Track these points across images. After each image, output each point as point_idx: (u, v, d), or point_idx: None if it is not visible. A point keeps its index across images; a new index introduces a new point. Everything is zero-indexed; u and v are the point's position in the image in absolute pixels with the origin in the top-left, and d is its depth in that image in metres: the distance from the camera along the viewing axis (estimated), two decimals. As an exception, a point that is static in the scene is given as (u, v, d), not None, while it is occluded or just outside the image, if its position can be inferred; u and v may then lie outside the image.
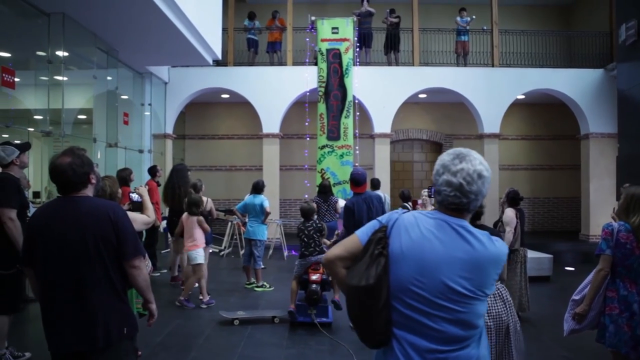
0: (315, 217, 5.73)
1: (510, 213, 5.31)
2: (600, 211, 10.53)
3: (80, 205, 2.21)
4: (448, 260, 1.48)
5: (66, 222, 2.17)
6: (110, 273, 2.20)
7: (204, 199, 6.34)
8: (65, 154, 2.24)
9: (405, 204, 7.57)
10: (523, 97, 11.43)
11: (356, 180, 5.26)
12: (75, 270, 2.15)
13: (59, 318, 2.16)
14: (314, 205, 5.88)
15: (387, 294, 1.52)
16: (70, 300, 2.15)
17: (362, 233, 1.63)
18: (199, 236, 5.83)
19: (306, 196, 10.92)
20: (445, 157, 1.57)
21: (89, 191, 2.29)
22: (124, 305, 2.29)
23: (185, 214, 5.87)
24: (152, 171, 7.75)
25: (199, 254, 5.80)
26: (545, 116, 13.02)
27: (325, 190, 7.57)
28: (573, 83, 10.98)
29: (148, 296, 2.42)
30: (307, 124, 10.89)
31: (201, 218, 5.87)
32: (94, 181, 2.30)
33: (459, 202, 1.52)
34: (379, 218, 1.66)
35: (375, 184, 7.78)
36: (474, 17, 11.22)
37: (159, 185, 7.58)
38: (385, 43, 11.54)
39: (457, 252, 1.49)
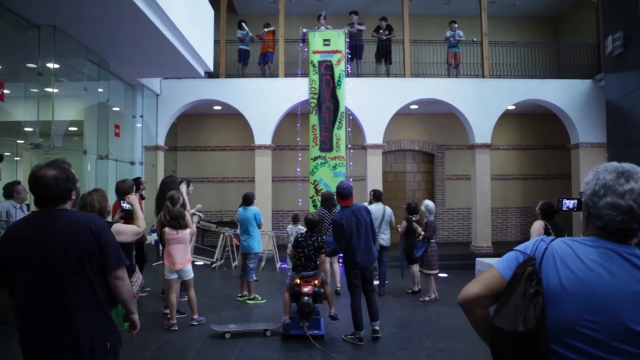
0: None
1: (537, 226, 4.94)
2: (592, 220, 10.58)
3: (60, 219, 2.14)
4: (626, 297, 1.28)
5: (46, 236, 2.09)
6: (94, 286, 2.15)
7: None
8: (51, 166, 2.16)
9: (411, 217, 7.34)
10: (514, 107, 11.54)
11: (342, 194, 5.22)
12: (58, 285, 2.08)
13: (41, 336, 2.08)
14: (319, 217, 5.68)
15: (545, 337, 1.33)
16: (53, 316, 2.08)
17: (503, 267, 1.43)
18: (189, 249, 5.73)
19: (300, 203, 10.90)
20: (606, 175, 1.36)
21: (67, 206, 2.22)
22: (107, 319, 2.23)
23: (167, 229, 5.52)
24: (135, 183, 7.50)
25: (190, 267, 5.69)
26: (535, 126, 13.14)
27: (328, 199, 6.99)
28: (562, 93, 11.11)
29: (131, 307, 2.38)
30: (298, 138, 10.90)
31: (194, 230, 5.79)
32: (74, 197, 2.25)
33: (627, 228, 1.32)
34: (520, 248, 1.45)
35: (378, 196, 7.56)
36: (461, 33, 11.41)
37: (143, 198, 7.23)
38: (377, 53, 11.64)
39: (635, 287, 1.28)
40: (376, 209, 7.36)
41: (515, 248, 1.46)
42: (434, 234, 7.02)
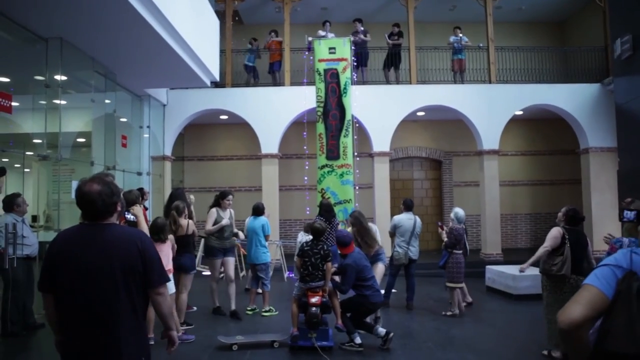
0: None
1: (554, 233, 4.86)
2: (603, 225, 10.41)
3: (107, 234, 2.19)
4: None
5: (93, 250, 2.14)
6: (135, 301, 2.20)
7: (185, 221, 5.80)
8: (94, 181, 2.22)
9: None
10: (521, 112, 11.44)
11: (342, 242, 5.26)
12: (102, 298, 2.12)
13: (82, 346, 2.12)
14: (325, 225, 5.57)
15: None
16: (95, 328, 2.12)
17: (602, 284, 1.34)
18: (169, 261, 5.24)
19: (307, 212, 10.84)
20: None
21: (114, 219, 2.29)
22: (144, 334, 2.28)
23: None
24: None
25: (172, 282, 5.23)
26: (544, 131, 13.02)
27: (328, 210, 6.88)
28: (570, 98, 11.00)
29: (170, 323, 2.42)
30: (305, 146, 10.87)
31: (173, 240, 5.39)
32: (119, 209, 2.31)
33: None
34: (612, 262, 1.38)
35: (409, 205, 7.31)
36: (464, 37, 11.36)
37: (146, 209, 6.96)
38: (386, 61, 11.60)
39: None
40: (407, 219, 7.11)
41: (606, 263, 1.37)
42: (457, 243, 6.63)
